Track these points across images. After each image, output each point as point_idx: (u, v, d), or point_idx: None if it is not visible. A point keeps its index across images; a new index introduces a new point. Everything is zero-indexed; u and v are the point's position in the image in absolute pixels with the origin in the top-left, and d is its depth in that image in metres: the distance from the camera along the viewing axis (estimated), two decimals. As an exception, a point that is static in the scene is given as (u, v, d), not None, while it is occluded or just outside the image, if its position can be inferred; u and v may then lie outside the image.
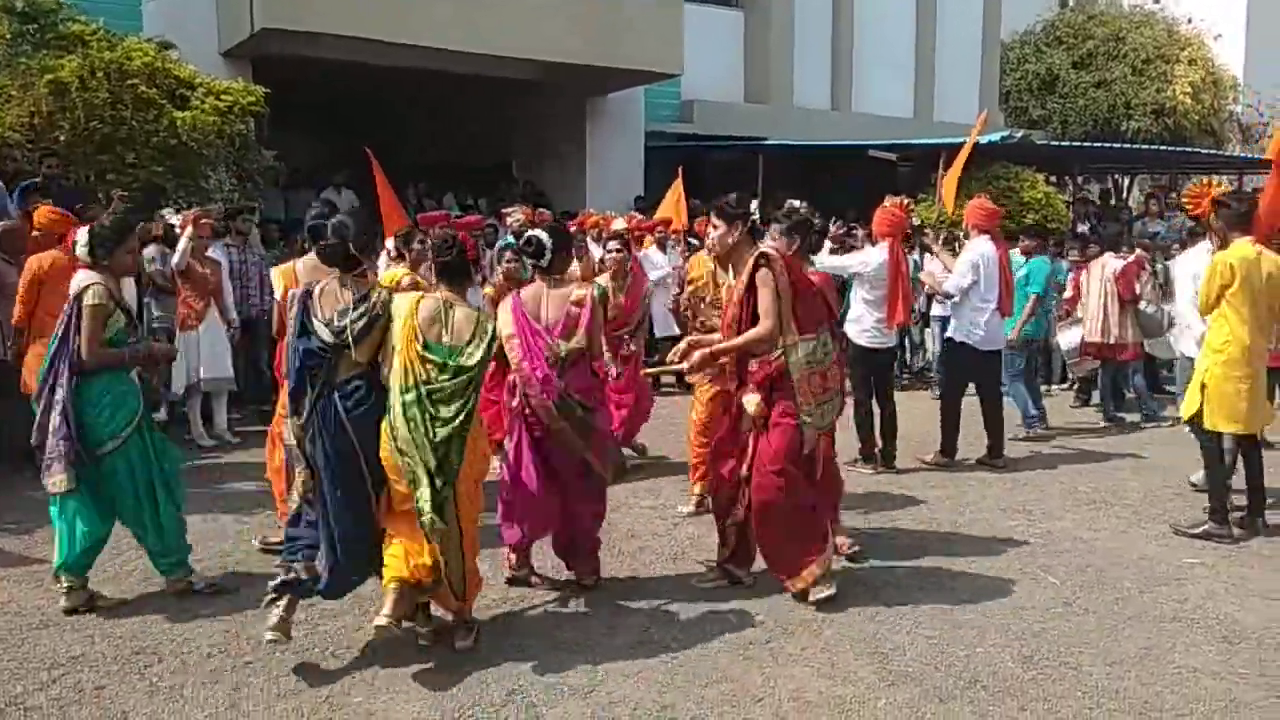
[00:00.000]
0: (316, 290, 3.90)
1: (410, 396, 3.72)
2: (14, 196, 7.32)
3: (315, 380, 3.80)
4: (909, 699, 3.62)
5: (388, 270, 6.07)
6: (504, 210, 11.27)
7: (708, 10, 16.09)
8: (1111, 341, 8.59)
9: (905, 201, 7.26)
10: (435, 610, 4.07)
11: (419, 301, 3.85)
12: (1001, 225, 10.30)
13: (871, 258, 6.88)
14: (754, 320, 4.40)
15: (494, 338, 3.89)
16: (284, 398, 4.91)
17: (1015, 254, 9.41)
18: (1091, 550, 5.31)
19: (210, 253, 7.69)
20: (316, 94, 13.84)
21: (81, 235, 4.54)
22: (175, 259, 7.26)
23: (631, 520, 5.74)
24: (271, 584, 3.85)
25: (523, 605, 4.47)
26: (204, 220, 7.50)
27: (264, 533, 5.27)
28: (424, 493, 3.69)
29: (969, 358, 7.14)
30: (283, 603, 3.80)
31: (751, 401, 4.42)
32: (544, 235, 4.58)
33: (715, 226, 4.58)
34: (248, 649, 3.95)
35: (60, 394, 4.24)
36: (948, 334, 7.38)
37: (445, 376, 3.75)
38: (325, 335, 3.79)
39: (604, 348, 4.78)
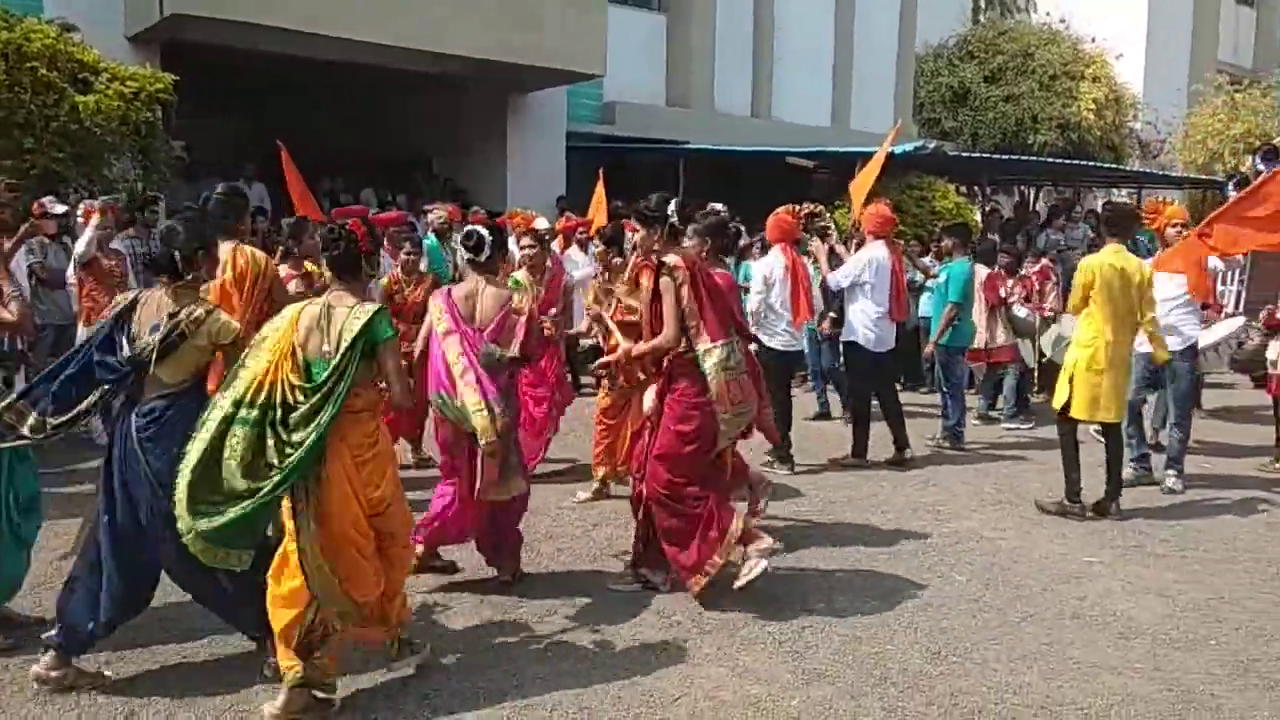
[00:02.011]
0: (144, 299, 3.60)
1: (250, 414, 3.28)
2: None
3: (113, 396, 3.51)
4: (822, 697, 3.69)
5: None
6: (425, 207, 11.16)
7: (631, 13, 16.14)
8: (985, 346, 8.88)
9: (795, 208, 7.41)
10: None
11: (301, 311, 3.49)
12: (915, 233, 10.57)
13: (772, 264, 7.05)
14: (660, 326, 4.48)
15: (359, 337, 3.37)
16: None
17: (928, 259, 9.71)
18: (996, 549, 5.48)
19: (113, 244, 7.41)
20: (229, 83, 13.45)
21: None
22: (80, 250, 6.98)
23: (549, 523, 5.72)
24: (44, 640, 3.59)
25: (438, 609, 4.41)
26: (110, 211, 7.23)
27: None
28: (220, 519, 3.24)
29: (864, 359, 7.36)
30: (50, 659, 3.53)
31: (648, 398, 4.58)
32: (485, 231, 4.52)
33: (635, 230, 4.64)
34: (147, 656, 3.82)
35: None
36: (843, 336, 7.57)
37: (304, 399, 3.33)
38: (126, 351, 3.49)
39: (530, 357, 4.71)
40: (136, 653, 3.86)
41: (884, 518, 6.05)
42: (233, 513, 3.24)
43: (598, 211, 10.46)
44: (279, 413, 3.30)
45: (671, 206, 4.51)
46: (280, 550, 3.44)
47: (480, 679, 3.73)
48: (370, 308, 3.47)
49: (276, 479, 3.25)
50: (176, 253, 3.59)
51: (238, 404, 3.30)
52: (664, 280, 4.42)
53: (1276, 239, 6.29)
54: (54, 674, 3.54)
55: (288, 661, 3.37)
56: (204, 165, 12.68)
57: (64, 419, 3.49)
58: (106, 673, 3.67)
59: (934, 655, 4.07)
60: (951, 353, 8.08)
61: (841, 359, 8.44)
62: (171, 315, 3.51)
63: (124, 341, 3.52)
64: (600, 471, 6.18)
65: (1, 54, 8.18)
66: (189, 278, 3.64)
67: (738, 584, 4.38)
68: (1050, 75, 20.01)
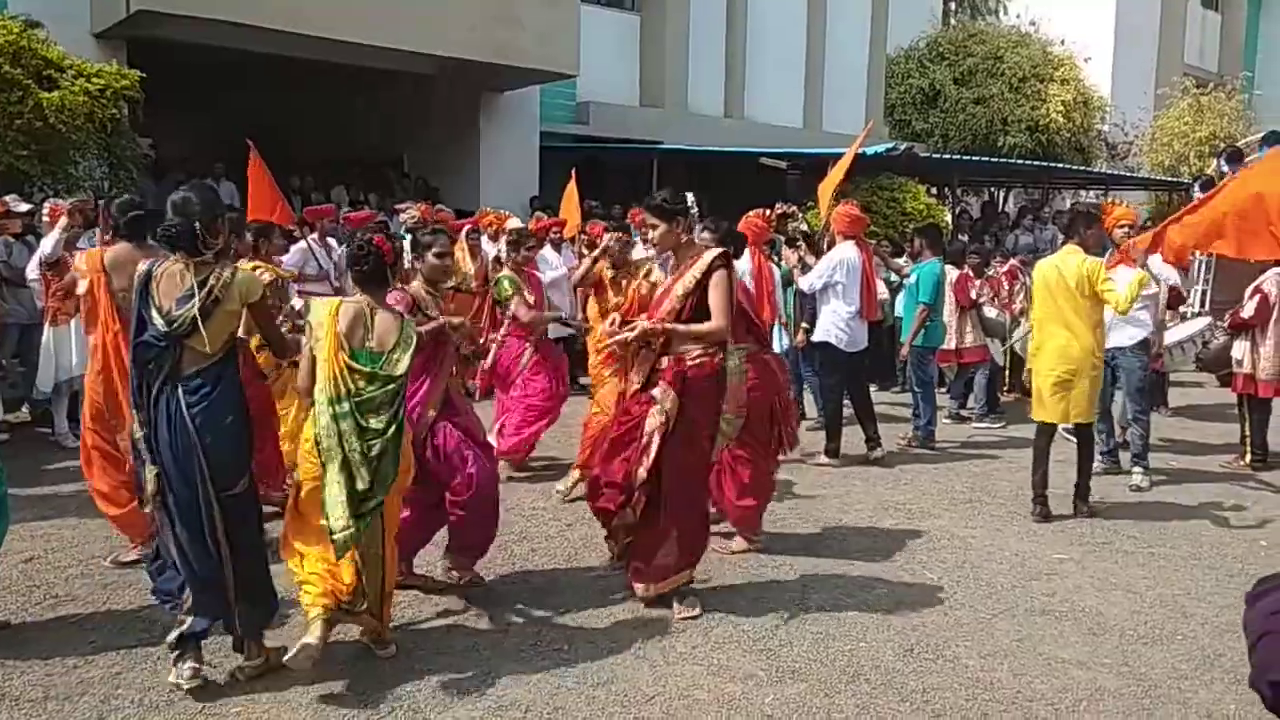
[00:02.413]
0: (158, 273, 3.54)
1: (343, 408, 3.54)
2: None
3: (155, 374, 3.48)
4: (796, 694, 3.70)
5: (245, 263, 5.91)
6: (397, 206, 11.09)
7: (605, 13, 16.16)
8: (955, 347, 8.97)
9: (767, 211, 7.48)
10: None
11: (338, 307, 3.65)
12: (886, 234, 10.63)
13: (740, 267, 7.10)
14: (696, 317, 4.28)
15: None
16: (90, 407, 4.66)
17: (901, 260, 9.76)
18: (967, 547, 5.52)
19: (81, 244, 7.29)
20: (198, 81, 13.32)
21: None
22: (46, 250, 6.87)
23: (524, 523, 5.70)
24: (169, 639, 3.61)
25: (411, 610, 4.38)
26: (78, 210, 7.12)
27: (116, 552, 4.93)
28: (338, 510, 3.49)
29: (836, 358, 7.42)
30: (188, 655, 3.56)
31: (668, 397, 4.26)
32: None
33: (654, 225, 4.37)
34: (119, 660, 3.77)
35: None
36: (816, 337, 7.62)
37: (374, 387, 3.60)
38: (160, 325, 3.46)
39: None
40: (109, 656, 3.81)
41: (856, 516, 6.08)
42: (370, 512, 3.60)
43: (569, 211, 10.44)
44: (356, 399, 3.57)
45: (691, 199, 4.44)
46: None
47: (453, 679, 3.71)
48: (410, 320, 3.89)
49: (387, 464, 3.61)
50: (197, 224, 3.52)
51: (332, 402, 3.55)
52: (720, 274, 4.24)
53: (1225, 245, 6.25)
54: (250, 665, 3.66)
55: (318, 600, 3.62)
56: (173, 163, 12.56)
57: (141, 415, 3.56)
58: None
59: (906, 652, 4.09)
60: (923, 353, 8.13)
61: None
62: (202, 283, 3.50)
63: (154, 315, 3.48)
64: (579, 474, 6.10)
65: (-36, 50, 8.06)
66: (209, 252, 3.58)
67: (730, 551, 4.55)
68: (1020, 78, 20.21)
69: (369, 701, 3.52)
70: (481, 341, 5.88)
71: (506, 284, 6.32)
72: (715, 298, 4.23)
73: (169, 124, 11.94)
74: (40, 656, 3.79)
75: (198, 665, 3.55)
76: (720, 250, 4.39)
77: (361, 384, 3.59)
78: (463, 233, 8.15)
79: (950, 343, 8.78)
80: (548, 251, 9.92)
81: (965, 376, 9.41)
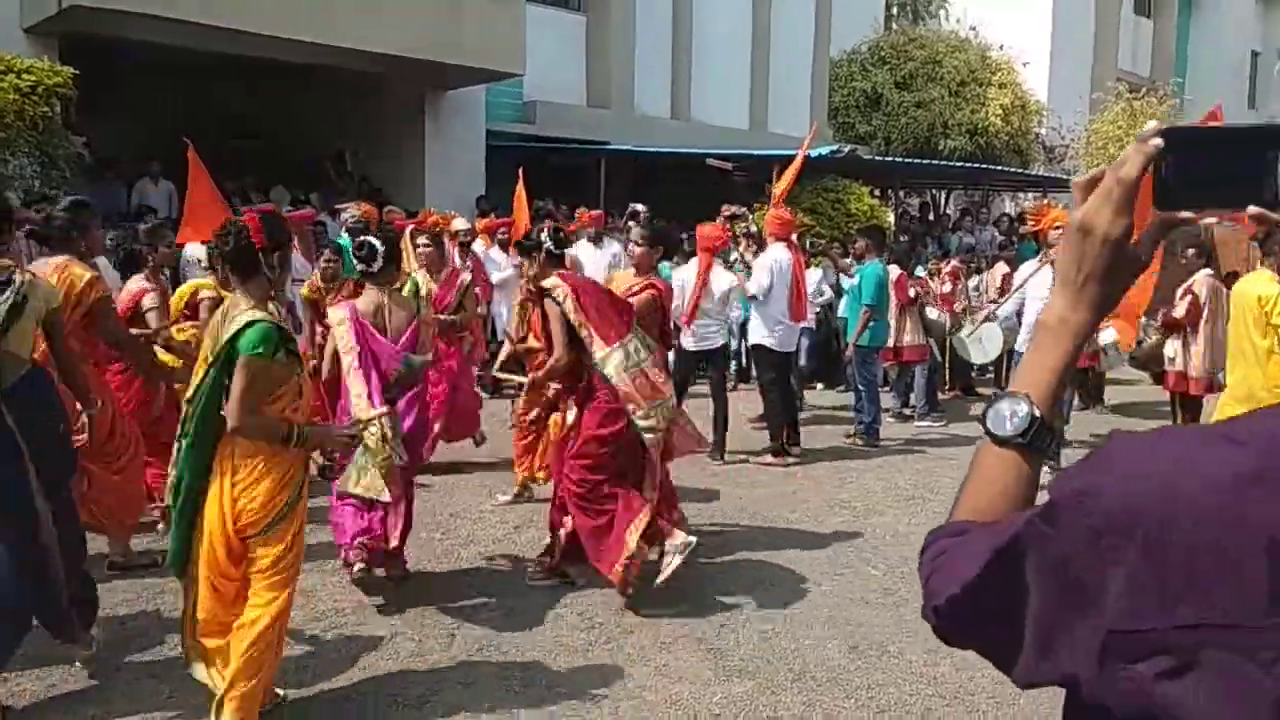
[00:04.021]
0: None
1: (188, 428, 3.20)
2: None
3: None
4: (743, 692, 3.73)
5: (192, 281, 5.73)
6: (338, 206, 10.92)
7: (550, 12, 16.09)
8: (894, 344, 9.11)
9: (724, 224, 7.64)
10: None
11: (223, 309, 3.33)
12: (831, 235, 10.77)
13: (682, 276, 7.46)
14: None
15: (223, 348, 3.09)
16: None
17: (847, 261, 9.89)
18: (910, 543, 5.60)
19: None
20: (134, 80, 13.01)
21: None
22: None
23: (470, 526, 5.67)
24: None
25: (355, 618, 4.33)
26: None
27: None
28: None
29: (769, 358, 7.59)
30: None
31: (569, 414, 4.66)
32: (377, 241, 4.45)
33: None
34: (107, 669, 3.67)
35: None
36: (750, 340, 7.75)
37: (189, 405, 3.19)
38: None
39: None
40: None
41: (802, 514, 6.15)
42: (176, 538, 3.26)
43: (519, 212, 10.39)
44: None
45: (545, 234, 4.66)
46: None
47: (398, 687, 3.68)
48: (247, 318, 3.09)
49: (170, 488, 3.24)
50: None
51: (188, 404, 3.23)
52: (547, 304, 4.52)
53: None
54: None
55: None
56: (108, 163, 12.25)
57: None
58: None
59: (851, 649, 4.15)
60: (867, 352, 8.26)
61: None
62: (4, 282, 3.32)
63: None
64: (520, 474, 6.14)
65: (-115, 43, 7.78)
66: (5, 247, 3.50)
67: (659, 580, 4.40)
68: (959, 81, 20.55)
69: (311, 710, 3.47)
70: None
71: (408, 286, 6.38)
72: (553, 333, 4.52)
73: (104, 123, 11.64)
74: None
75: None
76: (540, 285, 4.57)
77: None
78: (406, 233, 8.07)
79: (891, 341, 8.92)
80: (495, 252, 9.89)
81: (906, 375, 9.56)
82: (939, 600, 0.88)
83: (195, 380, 3.18)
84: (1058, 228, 7.02)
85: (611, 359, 4.44)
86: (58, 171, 9.17)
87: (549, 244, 4.60)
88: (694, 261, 7.47)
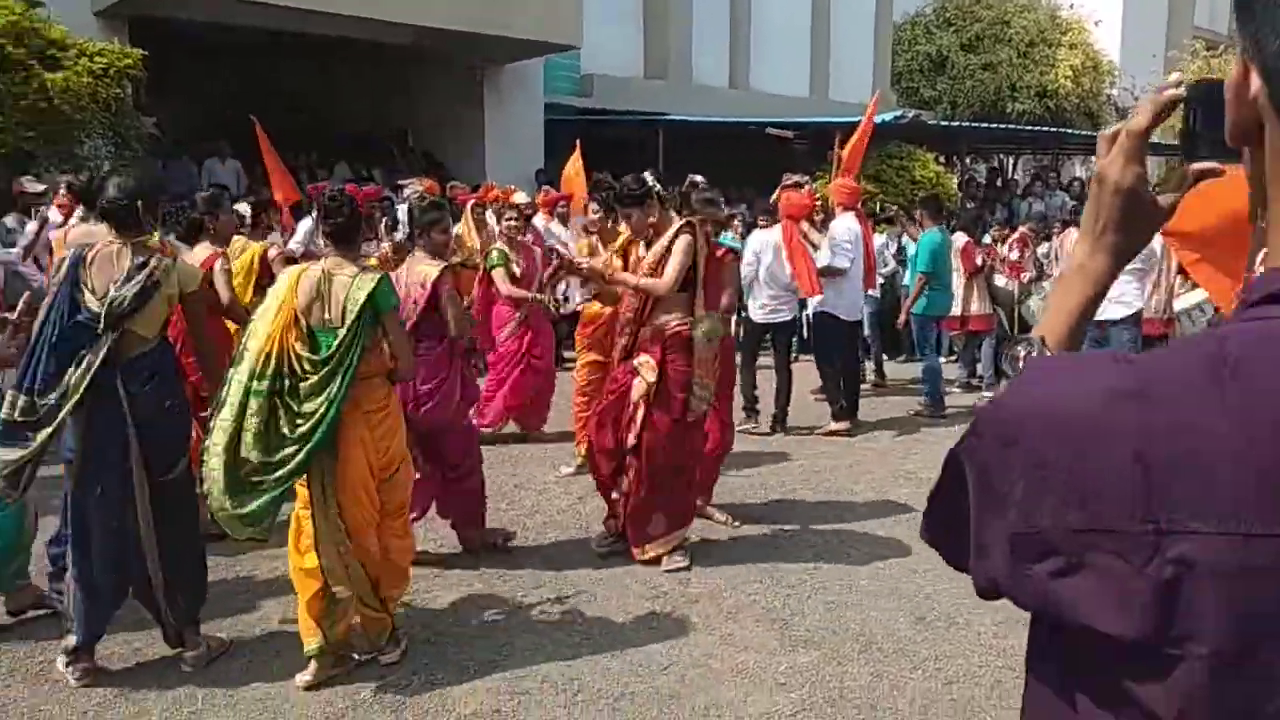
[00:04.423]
0: (89, 256, 3.44)
1: (262, 386, 3.30)
2: None
3: (84, 358, 3.34)
4: (809, 662, 3.72)
5: (242, 239, 5.87)
6: (400, 182, 11.03)
7: (607, -17, 15.98)
8: (960, 313, 8.96)
9: (812, 187, 7.52)
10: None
11: (299, 278, 3.47)
12: (896, 202, 10.58)
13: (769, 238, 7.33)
14: (684, 287, 4.48)
15: (364, 308, 3.39)
16: None
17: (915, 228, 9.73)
18: (979, 515, 5.52)
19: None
20: (200, 60, 13.25)
21: None
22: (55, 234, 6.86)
23: (535, 497, 5.72)
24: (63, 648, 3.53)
25: (426, 585, 4.41)
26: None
27: None
28: (215, 490, 3.29)
29: (835, 326, 7.46)
30: (81, 659, 3.49)
31: (647, 365, 4.48)
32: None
33: (626, 215, 4.59)
34: (140, 637, 3.80)
35: None
36: (818, 307, 7.64)
37: (312, 370, 3.36)
38: (94, 306, 3.36)
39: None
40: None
41: (867, 485, 6.09)
42: (265, 498, 3.33)
43: (576, 184, 10.39)
44: (287, 383, 3.35)
45: (650, 178, 4.51)
46: (295, 519, 3.52)
47: (469, 652, 3.74)
48: (372, 277, 3.46)
49: (299, 454, 3.31)
50: (139, 203, 3.48)
51: (251, 376, 3.33)
52: (684, 239, 4.42)
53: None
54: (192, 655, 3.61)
55: (310, 631, 3.47)
56: (178, 143, 12.52)
57: (55, 396, 3.32)
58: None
59: (919, 620, 4.11)
60: (924, 320, 8.22)
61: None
62: (140, 266, 3.42)
63: (87, 297, 3.38)
64: (583, 446, 6.17)
65: (-34, 31, 8.03)
66: (144, 229, 3.54)
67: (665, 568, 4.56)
68: (1028, 43, 19.99)
69: (389, 675, 3.55)
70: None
71: (495, 254, 6.44)
72: (670, 260, 4.42)
73: (172, 103, 11.88)
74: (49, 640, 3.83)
75: (89, 666, 3.50)
76: (686, 220, 4.52)
77: (306, 368, 3.38)
78: (468, 207, 8.12)
79: (956, 309, 8.78)
80: (555, 226, 9.89)
81: (973, 344, 9.40)
82: (924, 513, 0.94)
83: (334, 344, 3.36)
84: None
85: (704, 322, 4.49)
86: (130, 152, 9.40)
87: (658, 187, 4.51)
88: (775, 229, 7.35)
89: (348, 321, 3.38)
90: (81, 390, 3.31)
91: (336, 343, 3.36)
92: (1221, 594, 0.68)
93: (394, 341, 3.54)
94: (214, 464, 3.31)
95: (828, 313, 7.46)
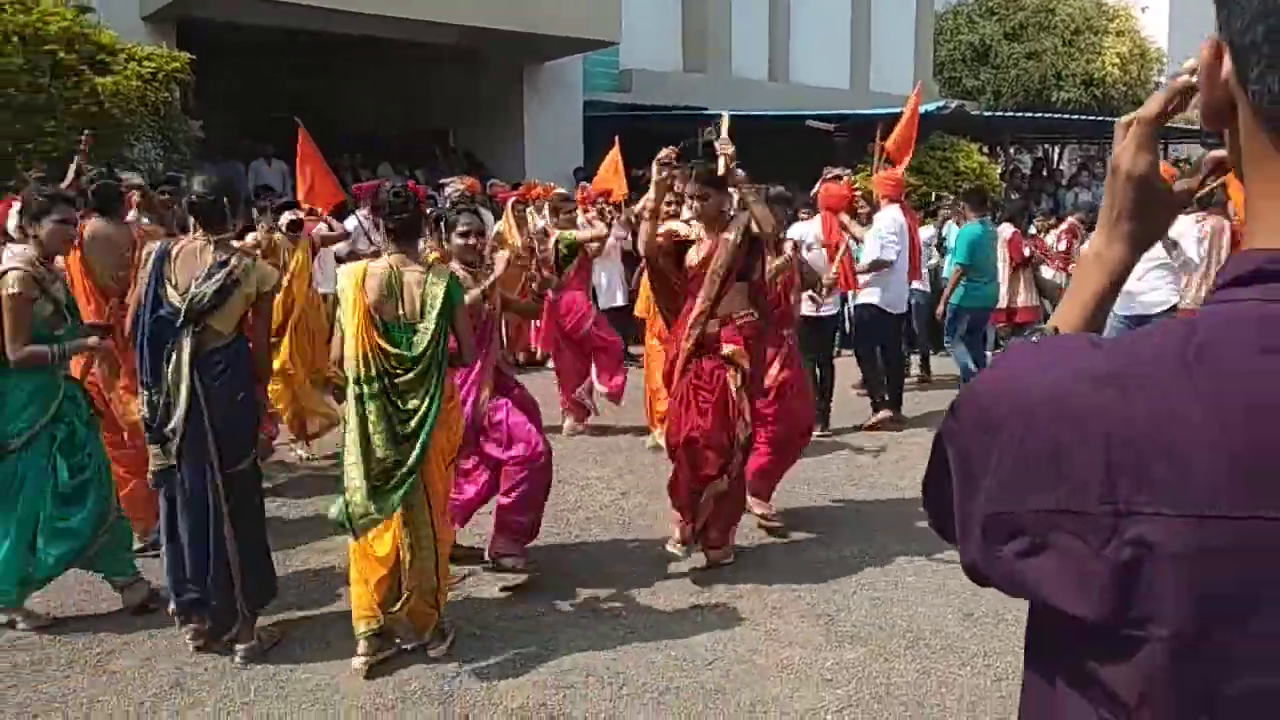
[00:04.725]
0: (174, 251, 3.56)
1: (372, 388, 3.42)
2: None
3: (170, 352, 3.49)
4: (855, 659, 3.70)
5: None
6: (442, 181, 11.12)
7: (646, -23, 15.97)
8: (1006, 305, 8.84)
9: (851, 179, 7.46)
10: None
11: (364, 275, 3.50)
12: (937, 193, 10.48)
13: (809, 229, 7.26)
14: (744, 275, 4.46)
15: (446, 302, 3.51)
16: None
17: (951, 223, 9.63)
18: (1027, 510, 5.45)
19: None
20: (245, 63, 13.45)
21: (13, 212, 4.09)
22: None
23: (577, 492, 5.74)
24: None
25: (473, 578, 4.44)
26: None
27: None
28: (357, 496, 3.40)
29: (878, 318, 7.38)
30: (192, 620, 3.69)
31: (739, 353, 4.40)
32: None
33: (704, 197, 4.46)
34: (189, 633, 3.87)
35: None
36: (861, 299, 7.58)
37: (403, 369, 3.46)
38: (176, 301, 3.48)
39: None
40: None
41: (912, 480, 6.03)
42: (395, 496, 3.46)
43: (615, 180, 10.40)
44: (387, 380, 3.44)
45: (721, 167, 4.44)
46: None
47: (514, 645, 3.77)
48: (444, 272, 3.61)
49: (416, 450, 3.44)
50: (225, 201, 3.61)
51: (358, 382, 3.43)
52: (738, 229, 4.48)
53: None
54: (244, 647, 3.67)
55: (370, 614, 3.54)
56: (222, 145, 12.72)
57: (161, 395, 3.50)
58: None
59: (966, 616, 4.06)
60: (961, 311, 8.16)
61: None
62: (221, 264, 3.52)
63: (169, 293, 3.50)
64: (660, 428, 6.31)
65: (20, 37, 8.21)
66: (230, 228, 3.69)
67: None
68: (1073, 30, 19.67)
69: (435, 667, 3.59)
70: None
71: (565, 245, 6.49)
72: (756, 263, 4.51)
73: (218, 106, 12.08)
74: (116, 627, 3.92)
75: (199, 628, 3.68)
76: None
77: (392, 364, 3.46)
78: (509, 205, 8.16)
79: (1003, 301, 8.69)
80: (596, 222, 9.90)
81: (1017, 337, 9.30)
82: (922, 497, 0.95)
83: (425, 341, 3.47)
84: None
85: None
86: (178, 154, 9.58)
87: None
88: (815, 221, 7.29)
89: (430, 316, 3.48)
90: (183, 386, 3.45)
91: (428, 339, 3.47)
92: (1181, 576, 0.68)
93: (460, 332, 3.65)
94: (353, 474, 3.43)
95: (871, 305, 7.39)
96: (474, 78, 14.55)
